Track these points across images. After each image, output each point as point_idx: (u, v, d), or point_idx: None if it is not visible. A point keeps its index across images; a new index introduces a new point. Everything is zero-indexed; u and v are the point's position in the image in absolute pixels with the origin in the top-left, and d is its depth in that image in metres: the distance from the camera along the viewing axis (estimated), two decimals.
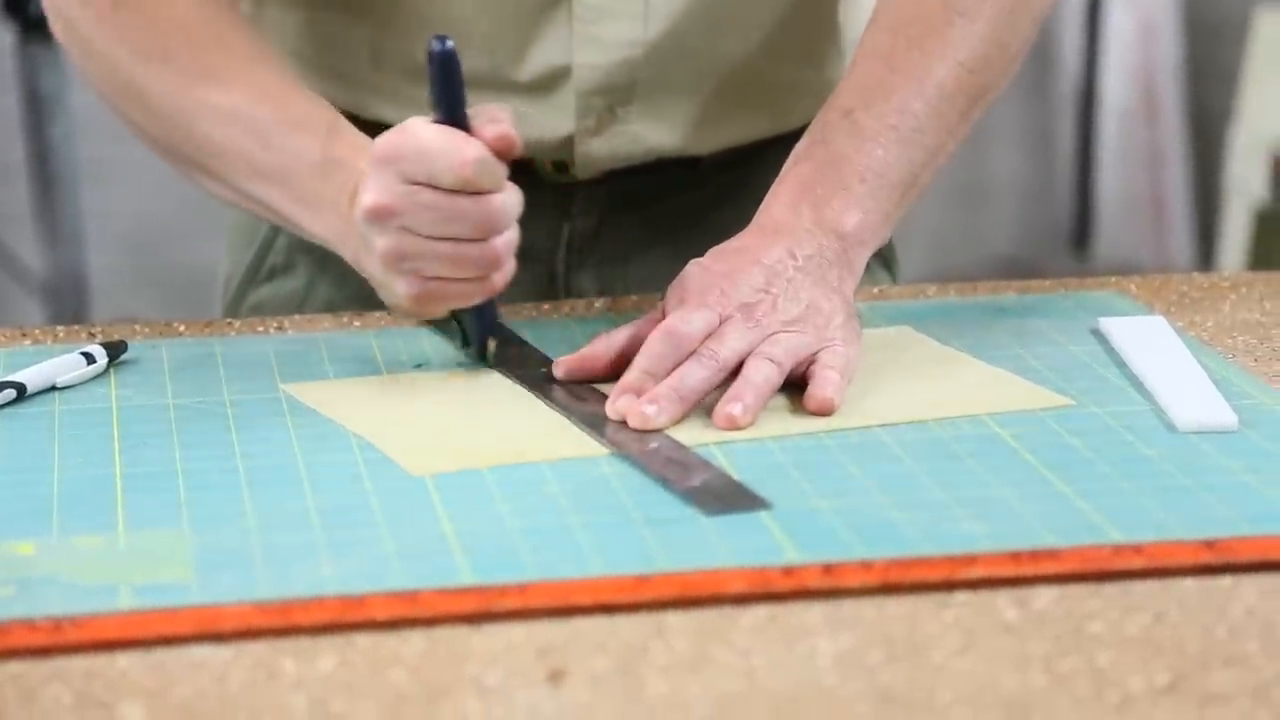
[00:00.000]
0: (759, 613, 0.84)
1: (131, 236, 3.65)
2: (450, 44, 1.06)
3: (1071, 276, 1.35)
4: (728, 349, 1.06)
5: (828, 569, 0.87)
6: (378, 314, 1.24)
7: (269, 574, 0.87)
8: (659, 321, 1.09)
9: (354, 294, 1.28)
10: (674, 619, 0.84)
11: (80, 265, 3.14)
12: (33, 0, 2.93)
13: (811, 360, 1.08)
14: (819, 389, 1.06)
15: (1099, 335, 1.19)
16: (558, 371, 1.10)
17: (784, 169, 1.16)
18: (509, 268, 1.08)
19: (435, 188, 1.04)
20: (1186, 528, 0.91)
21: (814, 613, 0.84)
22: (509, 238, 1.07)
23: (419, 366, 1.15)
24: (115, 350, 1.14)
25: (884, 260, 1.37)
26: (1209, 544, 0.90)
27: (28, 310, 3.36)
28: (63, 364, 1.11)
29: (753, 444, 1.02)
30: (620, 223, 1.32)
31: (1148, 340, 1.16)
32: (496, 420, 1.06)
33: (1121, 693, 0.78)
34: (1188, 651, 0.81)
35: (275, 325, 1.22)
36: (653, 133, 1.27)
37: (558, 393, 1.09)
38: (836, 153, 1.14)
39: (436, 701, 0.77)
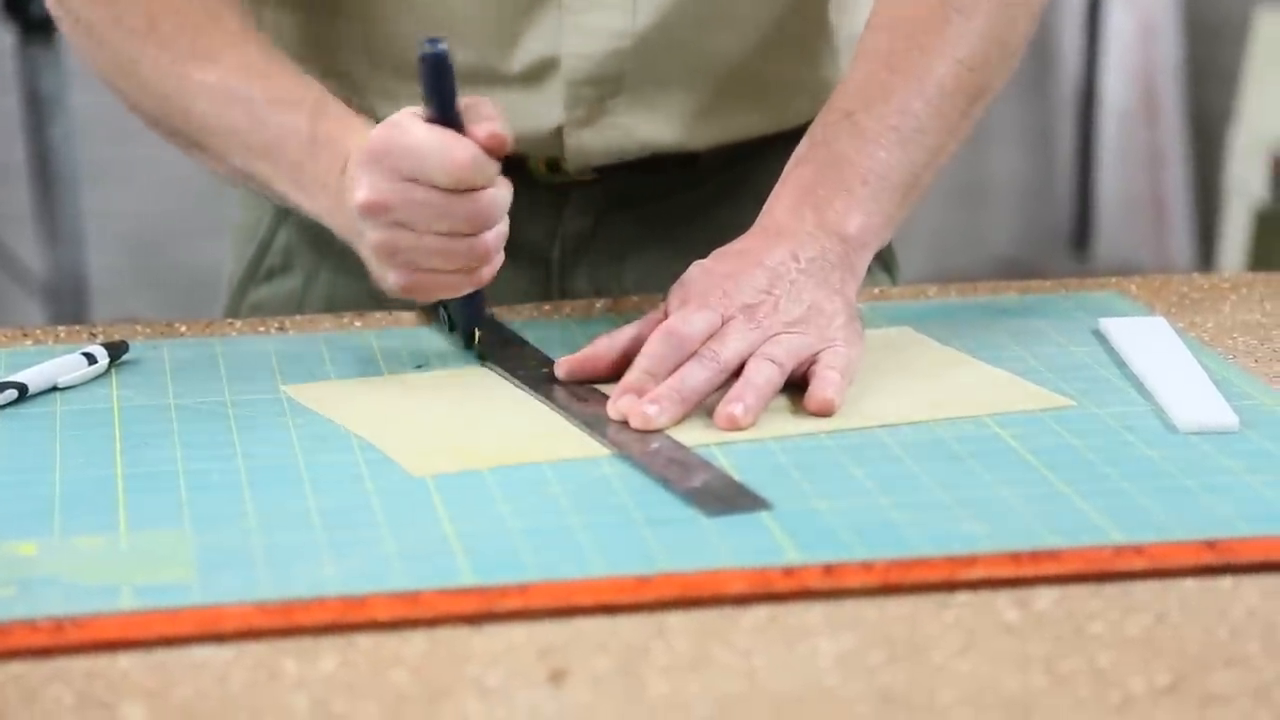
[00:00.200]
0: (760, 613, 0.84)
1: (132, 237, 3.66)
2: (443, 46, 1.07)
3: (1071, 277, 1.35)
4: (729, 350, 1.06)
5: (828, 569, 0.87)
6: (378, 314, 1.24)
7: (270, 574, 0.87)
8: (661, 322, 1.09)
9: (353, 294, 1.28)
10: (675, 619, 0.84)
11: (80, 266, 3.14)
12: (33, 1, 2.93)
13: (813, 361, 1.08)
14: (820, 390, 1.06)
15: (1099, 336, 1.19)
16: (559, 372, 1.10)
17: (785, 171, 1.16)
18: (497, 260, 1.09)
19: (428, 184, 1.05)
20: (1187, 528, 0.91)
21: (815, 613, 0.85)
22: (499, 231, 1.08)
23: (419, 367, 1.15)
24: (116, 350, 1.14)
25: (884, 263, 1.37)
26: (1210, 545, 0.90)
27: (28, 311, 3.36)
28: (64, 364, 1.11)
29: (754, 444, 1.02)
30: (616, 223, 1.32)
31: (1148, 341, 1.16)
32: (497, 421, 1.06)
33: (1122, 693, 0.78)
34: (1189, 652, 0.81)
35: (276, 325, 1.22)
36: (644, 126, 1.27)
37: (559, 393, 1.09)
38: (838, 155, 1.14)
39: (438, 702, 0.77)
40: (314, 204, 1.13)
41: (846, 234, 1.12)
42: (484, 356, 1.14)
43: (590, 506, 0.94)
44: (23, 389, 1.09)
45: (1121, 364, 1.14)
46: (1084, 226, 3.95)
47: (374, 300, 1.22)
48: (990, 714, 0.76)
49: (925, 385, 1.10)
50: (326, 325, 1.23)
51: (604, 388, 1.08)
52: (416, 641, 0.82)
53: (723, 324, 1.07)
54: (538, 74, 1.24)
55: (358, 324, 1.22)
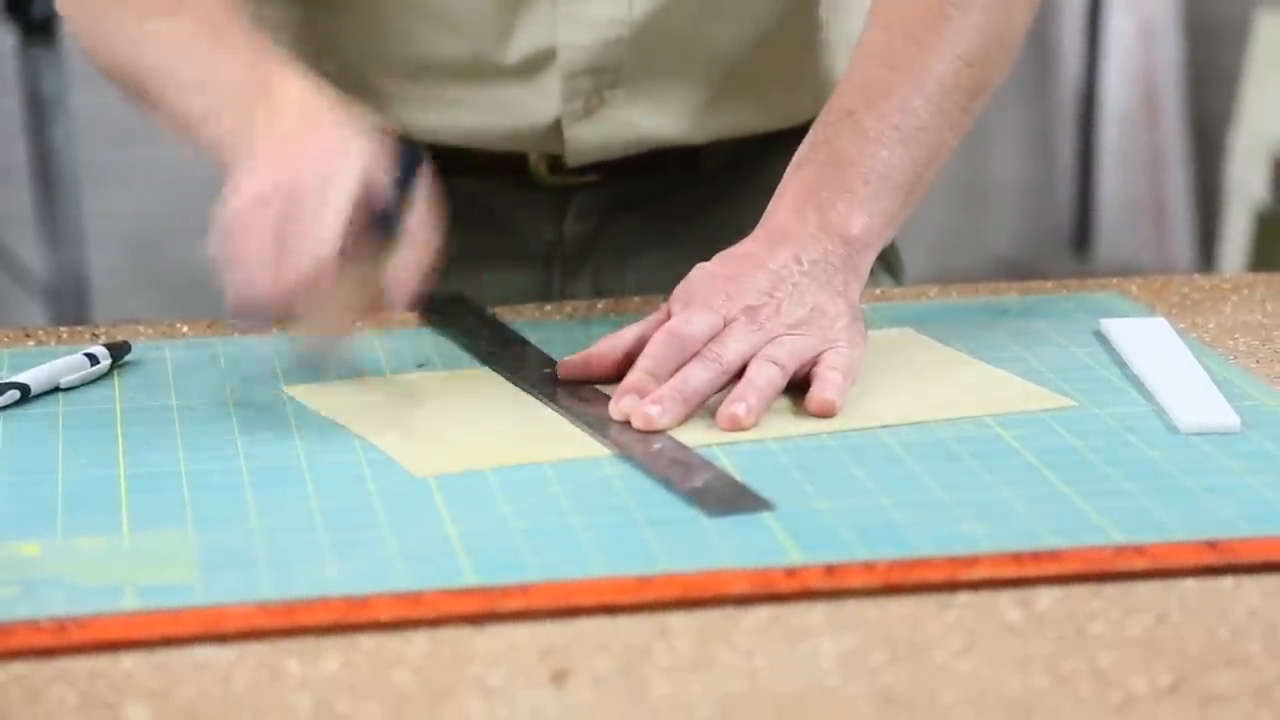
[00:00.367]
0: (761, 613, 0.85)
1: (133, 238, 3.66)
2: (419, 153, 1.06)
3: (1072, 278, 1.35)
4: (731, 351, 1.06)
5: (830, 570, 0.87)
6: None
7: (272, 575, 0.87)
8: (663, 324, 1.09)
9: None
10: (677, 620, 0.84)
11: (82, 267, 3.14)
12: (35, 2, 2.93)
13: (815, 362, 1.08)
14: (820, 391, 1.06)
15: (1101, 337, 1.19)
16: (561, 372, 1.11)
17: (787, 172, 1.16)
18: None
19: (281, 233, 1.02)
20: (1188, 529, 0.91)
21: (816, 613, 0.85)
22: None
23: (421, 367, 1.15)
24: (119, 351, 1.14)
25: (888, 266, 1.37)
26: (1211, 545, 0.90)
27: (29, 312, 3.36)
28: (66, 365, 1.11)
29: (755, 445, 1.02)
30: (618, 225, 1.33)
31: (1149, 342, 1.16)
32: (499, 421, 1.06)
33: (1124, 693, 0.78)
34: (1190, 652, 0.81)
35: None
36: (643, 120, 1.27)
37: (561, 394, 1.09)
38: (839, 155, 1.14)
39: (440, 702, 0.77)
40: (222, 130, 1.10)
41: (849, 235, 1.12)
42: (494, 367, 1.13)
43: (592, 507, 0.94)
44: (25, 390, 1.09)
45: (1122, 365, 1.14)
46: (1084, 228, 3.95)
47: None
48: (992, 714, 0.76)
49: (926, 386, 1.11)
50: None
51: (606, 388, 1.08)
52: (419, 642, 0.82)
53: (725, 326, 1.07)
54: (534, 66, 1.24)
55: (360, 324, 1.22)
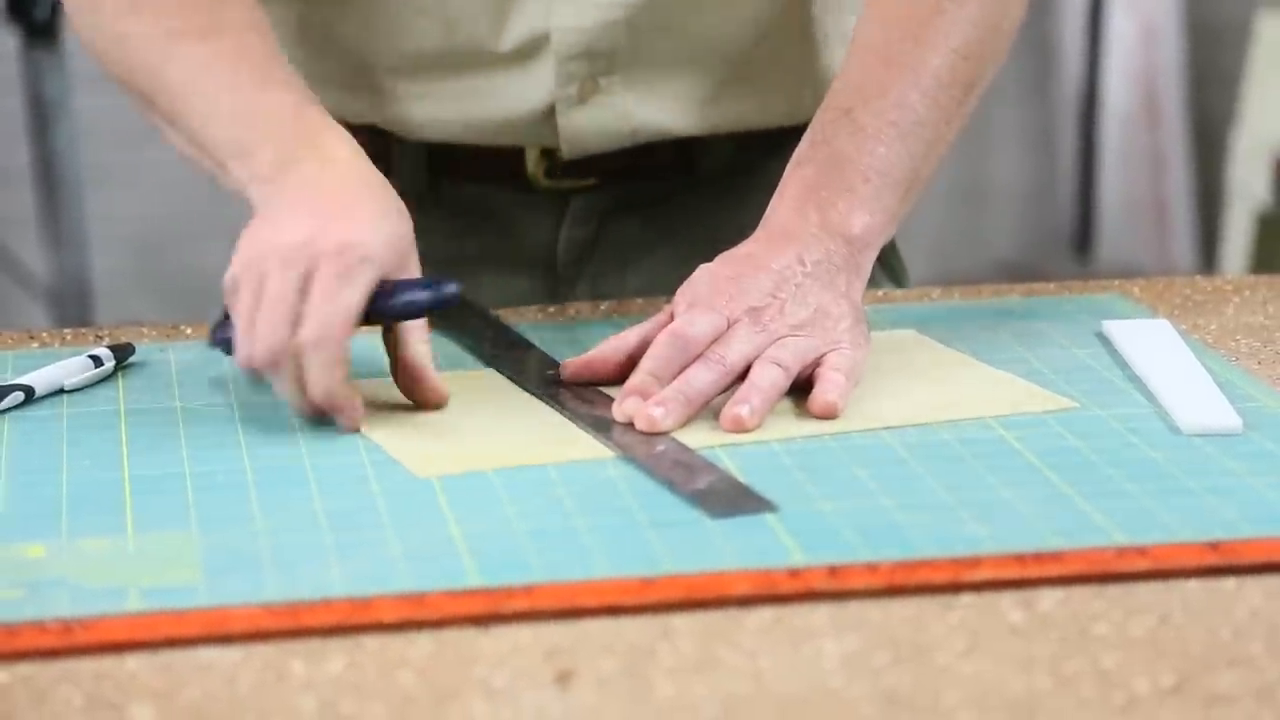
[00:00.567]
0: (765, 614, 0.85)
1: (135, 240, 3.66)
2: (453, 289, 1.06)
3: (1073, 280, 1.35)
4: (734, 353, 1.06)
5: (833, 571, 0.88)
6: None
7: (277, 576, 0.87)
8: (666, 325, 1.09)
9: None
10: (680, 621, 0.84)
11: (84, 269, 3.14)
12: (37, 5, 2.94)
13: (818, 364, 1.08)
14: (823, 393, 1.06)
15: (1103, 338, 1.19)
16: (564, 374, 1.11)
17: (786, 171, 1.16)
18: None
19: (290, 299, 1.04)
20: (1191, 530, 0.92)
21: (819, 614, 0.85)
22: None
23: None
24: (122, 353, 1.14)
25: (891, 271, 1.37)
26: (1213, 546, 0.90)
27: (32, 315, 3.37)
28: (70, 367, 1.12)
29: (759, 447, 1.02)
30: (618, 229, 1.33)
31: (1151, 343, 1.16)
32: (503, 423, 1.06)
33: (1127, 694, 0.78)
34: (1192, 653, 0.81)
35: None
36: (639, 108, 1.27)
37: (564, 395, 1.09)
38: (839, 153, 1.14)
39: (444, 703, 0.78)
40: (253, 161, 1.10)
41: (851, 235, 1.12)
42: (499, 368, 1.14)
43: (595, 508, 0.94)
44: (29, 391, 1.09)
45: (1125, 366, 1.14)
46: (1086, 229, 3.96)
47: None
48: (995, 715, 0.77)
49: (929, 387, 1.11)
50: None
51: (609, 390, 1.09)
52: (423, 643, 0.82)
53: (728, 327, 1.08)
54: (529, 51, 1.24)
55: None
